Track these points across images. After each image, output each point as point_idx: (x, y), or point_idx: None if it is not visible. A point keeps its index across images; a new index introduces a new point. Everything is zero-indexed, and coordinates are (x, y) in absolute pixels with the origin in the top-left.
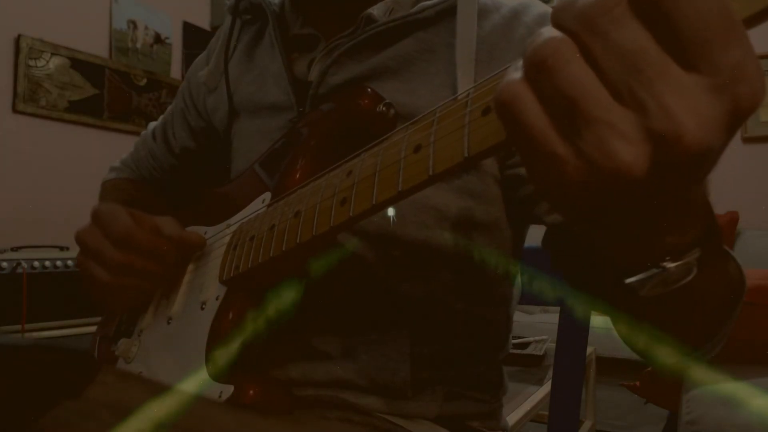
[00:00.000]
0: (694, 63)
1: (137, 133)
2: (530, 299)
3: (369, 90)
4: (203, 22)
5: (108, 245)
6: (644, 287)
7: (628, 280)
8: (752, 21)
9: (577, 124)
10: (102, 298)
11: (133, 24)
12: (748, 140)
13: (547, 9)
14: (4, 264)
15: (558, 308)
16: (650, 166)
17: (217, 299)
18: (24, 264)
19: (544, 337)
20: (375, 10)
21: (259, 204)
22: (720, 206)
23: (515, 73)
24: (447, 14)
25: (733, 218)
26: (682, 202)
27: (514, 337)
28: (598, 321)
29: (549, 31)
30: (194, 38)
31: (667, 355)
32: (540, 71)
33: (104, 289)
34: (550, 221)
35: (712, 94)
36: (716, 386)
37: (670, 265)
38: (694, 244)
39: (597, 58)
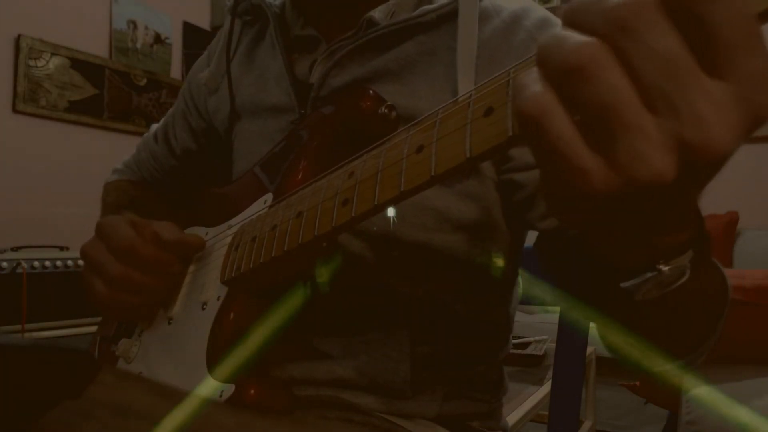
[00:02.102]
0: (720, 69)
1: (137, 133)
2: (530, 299)
3: (371, 92)
4: (203, 22)
5: (110, 259)
6: (640, 291)
7: (625, 284)
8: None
9: (610, 134)
10: (103, 312)
11: (133, 24)
12: (748, 140)
13: (548, 14)
14: (4, 264)
15: (558, 308)
16: (678, 174)
17: (218, 299)
18: (24, 264)
19: (544, 337)
20: (376, 13)
21: (260, 205)
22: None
23: (535, 84)
24: (448, 18)
25: (733, 218)
26: (683, 204)
27: (514, 337)
28: None
29: (573, 36)
30: (194, 38)
31: (653, 364)
32: (576, 79)
33: (104, 303)
34: (543, 227)
35: (736, 101)
36: (716, 386)
37: (665, 267)
38: (687, 246)
39: (631, 63)
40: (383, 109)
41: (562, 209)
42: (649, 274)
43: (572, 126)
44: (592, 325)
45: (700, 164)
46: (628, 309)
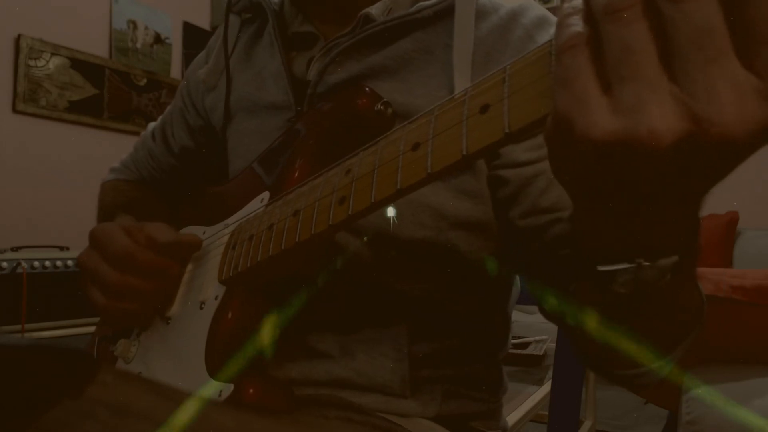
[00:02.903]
0: (751, 58)
1: (137, 133)
2: (530, 299)
3: (367, 89)
4: (203, 22)
5: (106, 268)
6: (616, 280)
7: (602, 268)
8: None
9: (620, 76)
10: (103, 320)
11: (133, 24)
12: None
13: (545, 11)
14: (4, 264)
15: None
16: (676, 143)
17: (216, 299)
18: (24, 264)
19: (544, 337)
20: (373, 10)
21: (257, 203)
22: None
23: (573, 22)
24: (445, 15)
25: (733, 218)
26: (681, 197)
27: (514, 337)
28: None
29: None
30: (194, 38)
31: (619, 365)
32: (613, 20)
33: (103, 312)
34: (522, 226)
35: (758, 95)
36: (716, 386)
37: (645, 263)
38: (674, 252)
39: (664, 23)
40: (379, 106)
41: (559, 157)
42: (626, 264)
43: (591, 62)
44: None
45: (704, 142)
46: (603, 301)
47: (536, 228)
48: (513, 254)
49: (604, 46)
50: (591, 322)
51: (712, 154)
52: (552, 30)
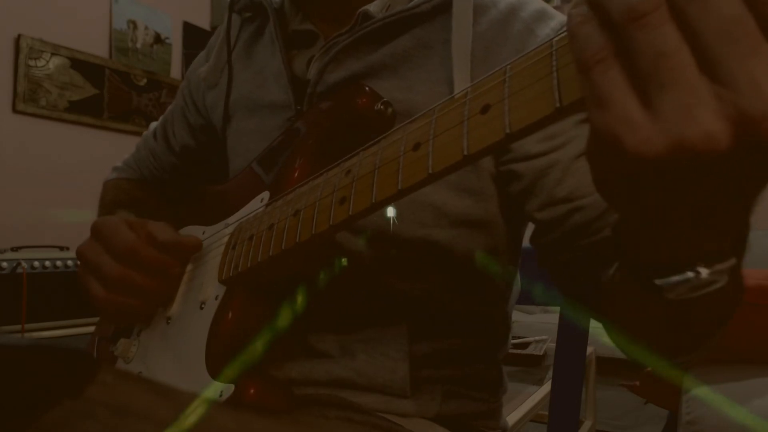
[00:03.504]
0: None
1: (137, 133)
2: (530, 299)
3: (367, 88)
4: (203, 22)
5: (108, 261)
6: (675, 290)
7: (660, 282)
8: None
9: (659, 84)
10: (101, 313)
11: (133, 24)
12: None
13: (545, 5)
14: (4, 264)
15: (558, 308)
16: (731, 144)
17: (216, 299)
18: (24, 264)
19: (544, 337)
20: (372, 7)
21: (257, 203)
22: None
23: (593, 29)
24: (443, 10)
25: None
26: (737, 206)
27: (514, 337)
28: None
29: None
30: (194, 38)
31: (653, 360)
32: (638, 26)
33: (102, 305)
34: (540, 217)
35: None
36: (716, 386)
37: (704, 270)
38: (730, 254)
39: (691, 21)
40: (379, 105)
41: (607, 175)
42: (690, 275)
43: (624, 75)
44: (592, 324)
45: (757, 138)
46: (653, 310)
47: (555, 219)
48: (538, 248)
49: (634, 56)
50: (629, 326)
51: None
52: (552, 23)
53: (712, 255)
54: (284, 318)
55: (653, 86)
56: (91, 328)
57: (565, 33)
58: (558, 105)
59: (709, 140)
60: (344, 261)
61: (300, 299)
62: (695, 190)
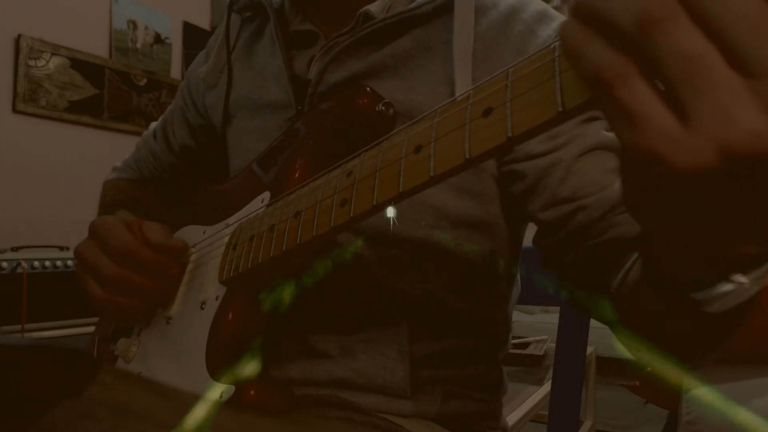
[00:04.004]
0: None
1: (137, 133)
2: (530, 299)
3: (368, 89)
4: (203, 22)
5: (105, 261)
6: (714, 303)
7: (697, 296)
8: None
9: (692, 90)
10: (100, 313)
11: (133, 24)
12: None
13: (546, 6)
14: (4, 264)
15: (558, 308)
16: None
17: (216, 299)
18: (24, 264)
19: (544, 337)
20: (372, 7)
21: (258, 203)
22: None
23: (601, 43)
24: (444, 10)
25: None
26: None
27: (514, 337)
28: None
29: None
30: (194, 38)
31: (661, 364)
32: (657, 32)
33: (100, 304)
34: (543, 218)
35: None
36: (716, 386)
37: (744, 279)
38: (765, 257)
39: (712, 19)
40: (380, 106)
41: (649, 196)
42: (729, 287)
43: (651, 87)
44: (591, 325)
45: None
46: (672, 316)
47: (558, 219)
48: (541, 249)
49: (659, 64)
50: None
51: None
52: (553, 24)
53: (751, 261)
54: (284, 318)
55: (686, 93)
56: (91, 328)
57: None
58: (560, 109)
59: (756, 138)
60: (337, 256)
61: (300, 300)
62: (741, 195)
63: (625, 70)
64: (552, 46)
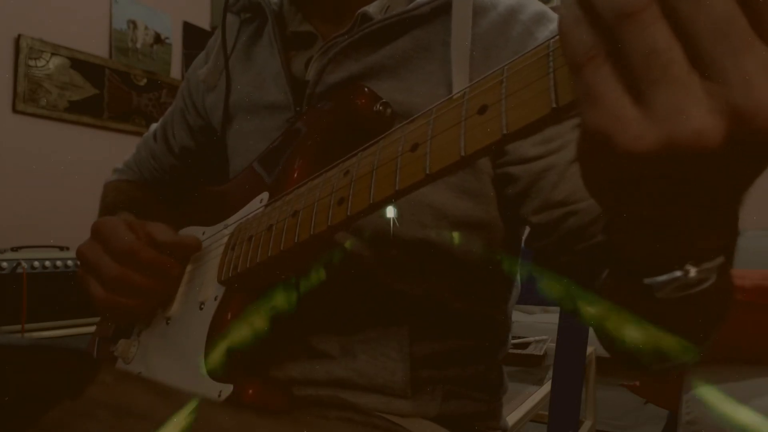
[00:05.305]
0: None
1: (137, 133)
2: (530, 299)
3: (366, 89)
4: (203, 22)
5: (107, 261)
6: (663, 289)
7: (648, 281)
8: None
9: (651, 82)
10: (101, 314)
11: (133, 24)
12: None
13: (544, 7)
14: (4, 264)
15: (558, 308)
16: (723, 140)
17: (215, 299)
18: (24, 264)
19: (544, 337)
20: (371, 8)
21: (256, 204)
22: None
23: (583, 28)
24: (442, 11)
25: None
26: (726, 204)
27: (514, 337)
28: None
29: None
30: (194, 38)
31: (651, 359)
32: (629, 24)
33: (101, 305)
34: (536, 221)
35: None
36: (716, 386)
37: (693, 269)
38: (719, 252)
39: (682, 19)
40: (378, 106)
41: (598, 174)
42: (678, 274)
43: (616, 73)
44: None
45: (749, 134)
46: (641, 308)
47: (550, 223)
48: (527, 252)
49: (626, 53)
50: (621, 324)
51: (760, 145)
52: (551, 26)
53: (701, 253)
54: (283, 319)
55: (645, 83)
56: (91, 328)
57: None
58: (554, 105)
59: (700, 136)
60: (348, 244)
61: (299, 300)
62: (686, 187)
63: (595, 52)
64: (546, 43)
